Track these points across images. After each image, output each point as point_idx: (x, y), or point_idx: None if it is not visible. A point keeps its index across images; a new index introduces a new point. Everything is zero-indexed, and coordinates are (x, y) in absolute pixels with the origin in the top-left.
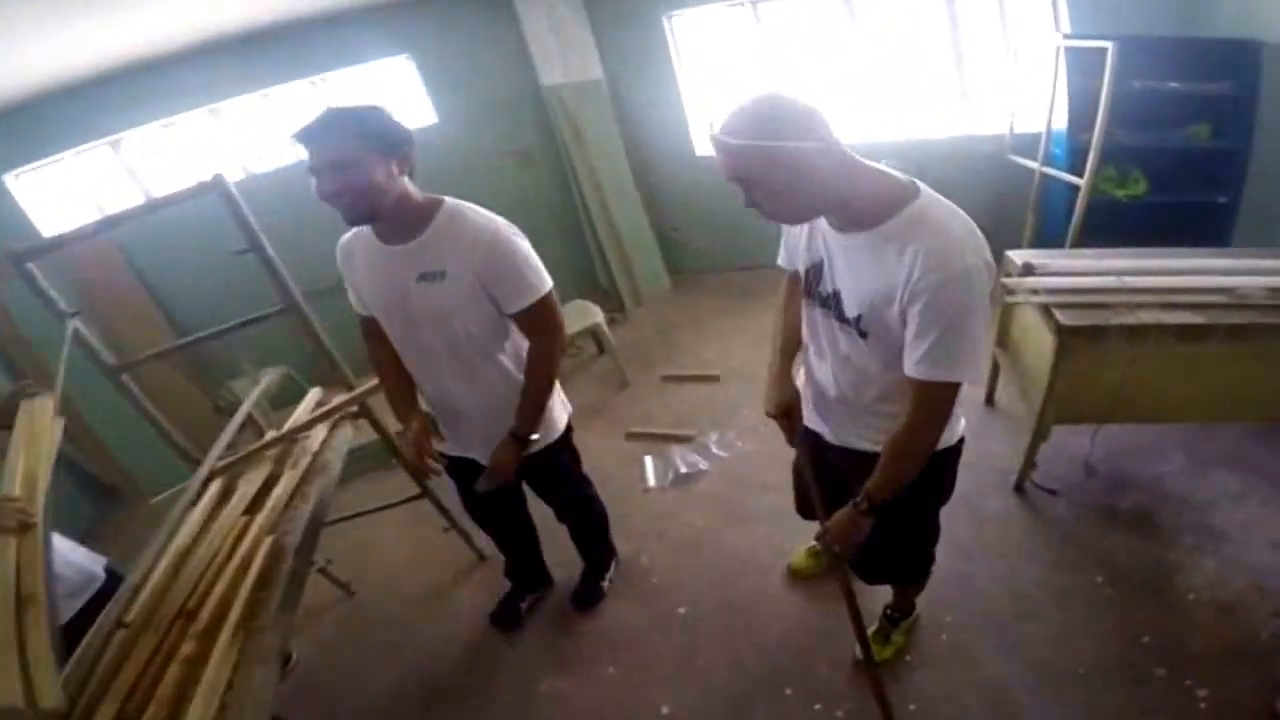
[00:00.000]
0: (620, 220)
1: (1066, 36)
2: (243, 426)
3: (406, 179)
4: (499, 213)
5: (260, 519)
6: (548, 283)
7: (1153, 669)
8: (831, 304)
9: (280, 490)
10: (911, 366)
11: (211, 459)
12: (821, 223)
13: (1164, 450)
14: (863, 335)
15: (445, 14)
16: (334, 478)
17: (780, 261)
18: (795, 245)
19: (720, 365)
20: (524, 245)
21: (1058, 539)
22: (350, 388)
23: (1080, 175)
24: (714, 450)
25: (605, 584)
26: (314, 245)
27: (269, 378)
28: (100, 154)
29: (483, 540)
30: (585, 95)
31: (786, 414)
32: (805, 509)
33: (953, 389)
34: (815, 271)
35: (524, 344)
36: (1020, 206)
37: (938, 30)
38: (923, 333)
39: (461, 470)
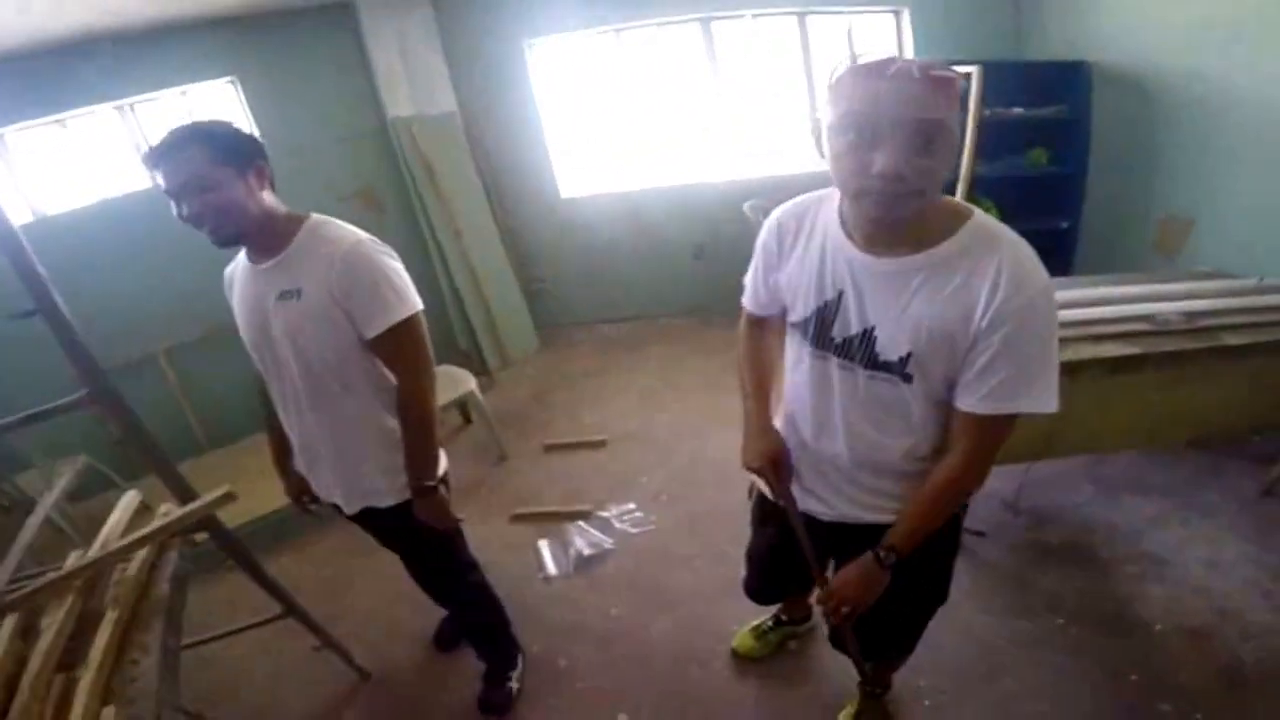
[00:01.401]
0: (483, 272)
1: None
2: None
3: (269, 193)
4: None
5: (87, 681)
6: (413, 305)
7: (1156, 705)
8: (857, 350)
9: (105, 639)
10: (978, 400)
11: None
12: (840, 249)
13: (1071, 480)
14: (907, 379)
15: (278, 33)
16: (177, 616)
17: (748, 304)
18: (789, 284)
19: (606, 429)
20: (388, 262)
21: (1003, 583)
22: (179, 484)
23: None
24: (616, 525)
25: (513, 685)
26: (154, 294)
27: (67, 476)
28: None
29: (362, 657)
30: (438, 129)
31: (774, 464)
32: (766, 590)
33: (1014, 419)
34: (827, 313)
35: (392, 380)
36: None
37: (790, 61)
38: (999, 361)
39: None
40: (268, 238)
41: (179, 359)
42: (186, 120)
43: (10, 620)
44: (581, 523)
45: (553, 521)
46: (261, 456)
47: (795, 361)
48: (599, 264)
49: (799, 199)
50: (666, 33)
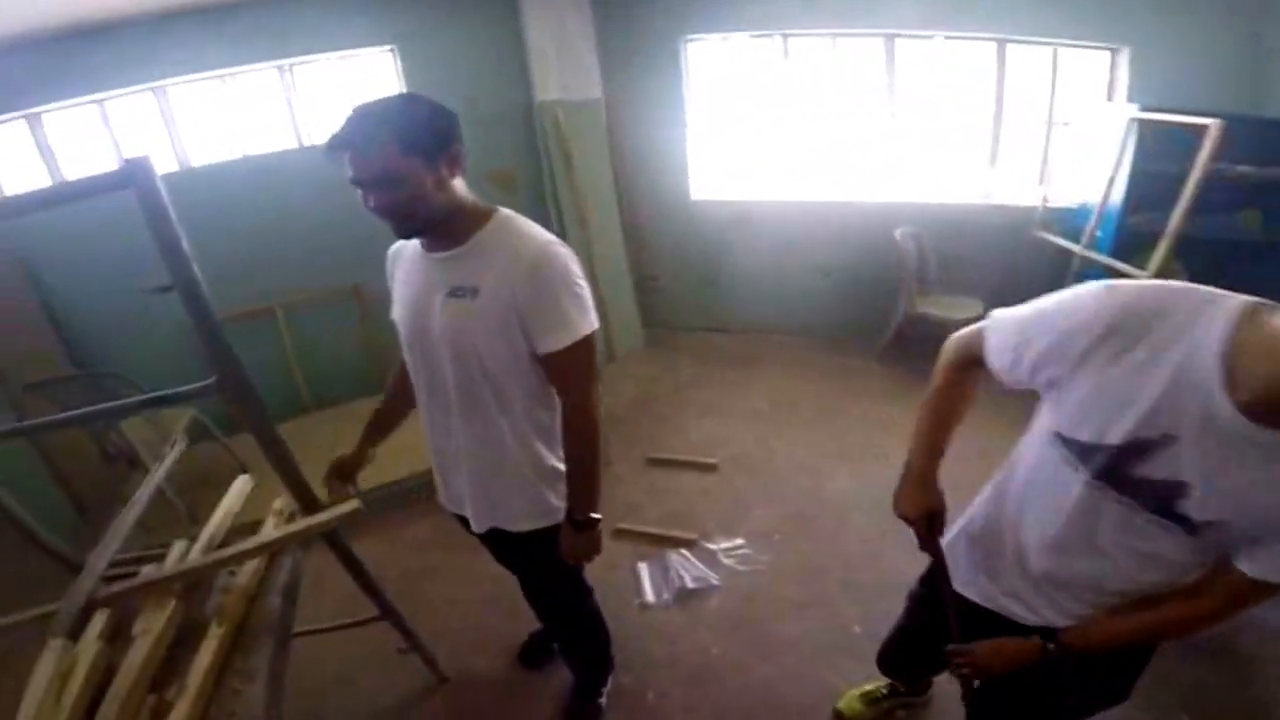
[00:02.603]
0: (601, 264)
1: (1144, 109)
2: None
3: (459, 180)
4: None
5: (182, 712)
6: (592, 323)
7: None
8: (1149, 494)
9: (208, 661)
10: (1256, 566)
11: (96, 573)
12: (1201, 389)
13: None
14: (1191, 531)
15: (442, 7)
16: (287, 635)
17: (992, 358)
18: (1078, 394)
19: (717, 450)
20: (575, 270)
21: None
22: (302, 486)
23: (1129, 261)
24: (723, 561)
25: (602, 700)
26: (279, 251)
27: (179, 446)
28: (15, 130)
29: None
30: (582, 117)
31: (929, 520)
32: (901, 665)
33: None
34: (1134, 451)
35: (553, 404)
36: (1035, 285)
37: (981, 87)
38: None
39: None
40: (451, 229)
41: (295, 317)
42: (364, 95)
43: (100, 618)
44: (685, 551)
45: (655, 545)
46: (361, 426)
47: (1049, 477)
48: (718, 270)
49: (1158, 290)
50: (841, 45)
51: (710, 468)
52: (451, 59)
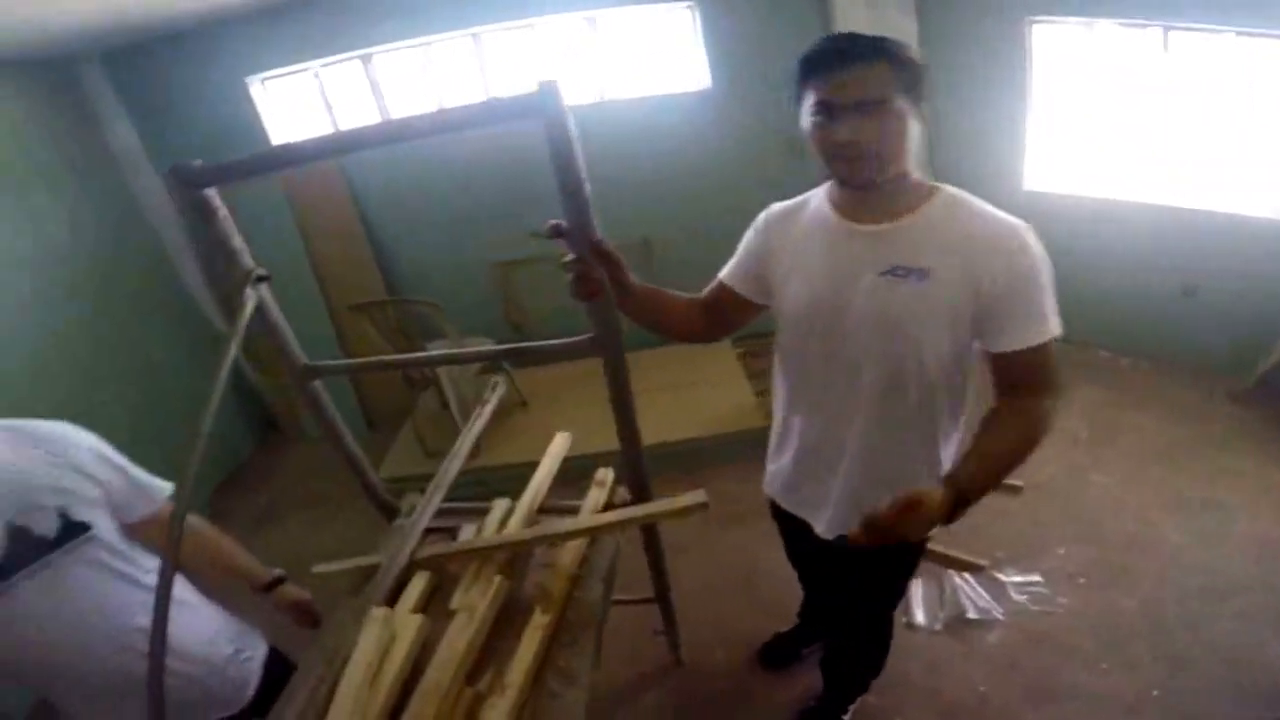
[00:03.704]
0: None
1: None
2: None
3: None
4: (739, 202)
5: (501, 711)
6: (1059, 322)
7: None
8: None
9: (531, 654)
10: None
11: (418, 531)
12: None
13: None
14: None
15: None
16: (600, 631)
17: None
18: None
19: (1022, 472)
20: (1047, 260)
21: None
22: (640, 470)
23: None
24: (1013, 595)
25: (847, 717)
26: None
27: (499, 392)
28: (349, 68)
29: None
30: None
31: None
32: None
33: None
34: None
35: (963, 409)
36: None
37: None
38: None
39: (791, 528)
40: (897, 196)
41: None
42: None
43: (421, 580)
44: (969, 576)
45: (936, 562)
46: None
47: None
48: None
49: None
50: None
51: (1014, 489)
52: (755, 19)
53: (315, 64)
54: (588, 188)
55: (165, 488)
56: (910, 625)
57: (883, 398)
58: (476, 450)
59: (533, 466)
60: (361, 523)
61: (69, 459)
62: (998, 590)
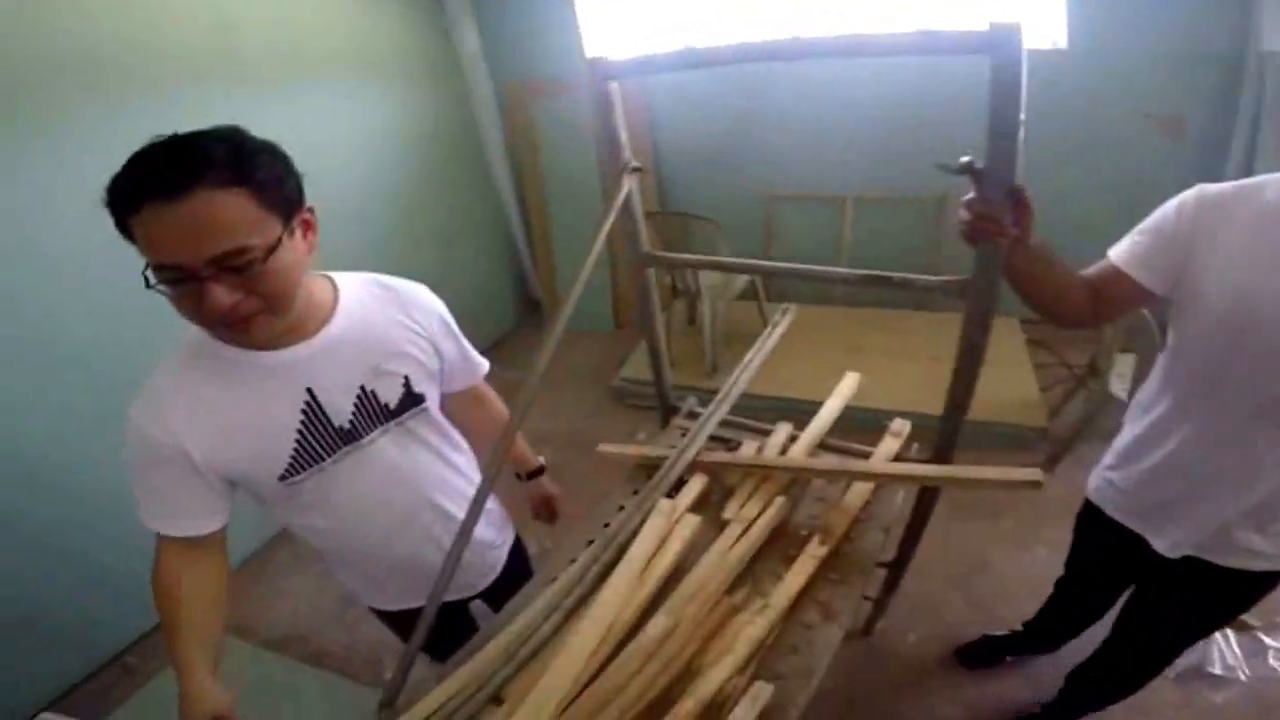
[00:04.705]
0: None
1: None
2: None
3: None
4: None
5: (758, 627)
6: None
7: None
8: None
9: (797, 584)
10: None
11: (705, 434)
12: None
13: None
14: None
15: None
16: (869, 571)
17: None
18: None
19: None
20: None
21: None
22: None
23: None
24: (1271, 661)
25: None
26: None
27: (785, 321)
28: None
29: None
30: None
31: None
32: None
33: None
34: None
35: None
36: None
37: None
38: None
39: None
40: None
41: (865, 209)
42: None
43: (698, 483)
44: (1231, 631)
45: None
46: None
47: None
48: None
49: None
50: None
51: None
52: None
53: None
54: (1022, 132)
55: (484, 363)
56: None
57: None
58: (714, 370)
59: (767, 401)
60: (585, 409)
61: (425, 328)
62: (1255, 649)
